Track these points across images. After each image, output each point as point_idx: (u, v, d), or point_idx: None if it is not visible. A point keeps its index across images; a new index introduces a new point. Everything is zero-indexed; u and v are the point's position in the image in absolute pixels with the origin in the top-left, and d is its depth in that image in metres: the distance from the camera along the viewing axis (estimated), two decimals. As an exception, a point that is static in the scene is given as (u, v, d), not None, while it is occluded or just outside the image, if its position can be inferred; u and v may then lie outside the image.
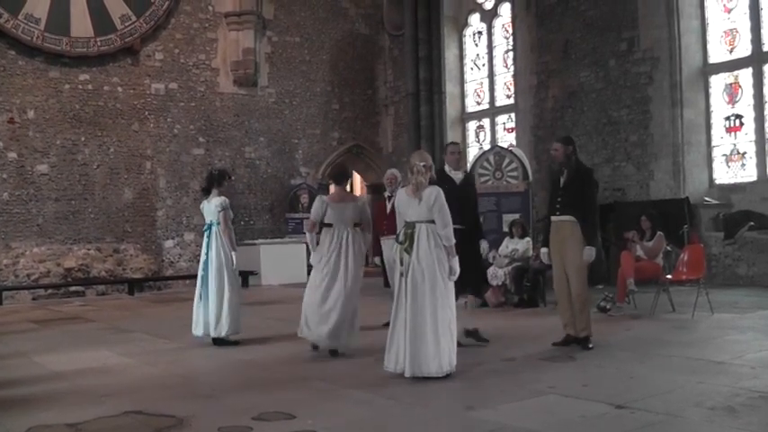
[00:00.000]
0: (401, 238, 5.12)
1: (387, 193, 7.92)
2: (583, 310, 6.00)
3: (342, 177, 6.85)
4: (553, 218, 6.15)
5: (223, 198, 6.95)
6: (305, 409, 4.24)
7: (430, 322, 4.92)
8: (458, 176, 6.30)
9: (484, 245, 6.34)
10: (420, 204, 5.04)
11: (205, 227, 7.04)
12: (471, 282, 6.20)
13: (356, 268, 6.32)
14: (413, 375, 4.88)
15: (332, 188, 6.99)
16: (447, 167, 6.40)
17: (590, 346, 5.89)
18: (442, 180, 6.10)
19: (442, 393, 4.60)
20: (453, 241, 5.05)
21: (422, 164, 5.08)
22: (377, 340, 6.57)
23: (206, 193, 7.12)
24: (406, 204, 5.15)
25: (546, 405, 4.23)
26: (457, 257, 5.10)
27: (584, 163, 6.57)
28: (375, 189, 17.50)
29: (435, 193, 5.02)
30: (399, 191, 5.40)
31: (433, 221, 5.03)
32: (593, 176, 6.35)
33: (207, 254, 6.90)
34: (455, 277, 5.09)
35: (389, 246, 6.82)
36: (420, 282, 4.96)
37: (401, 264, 5.06)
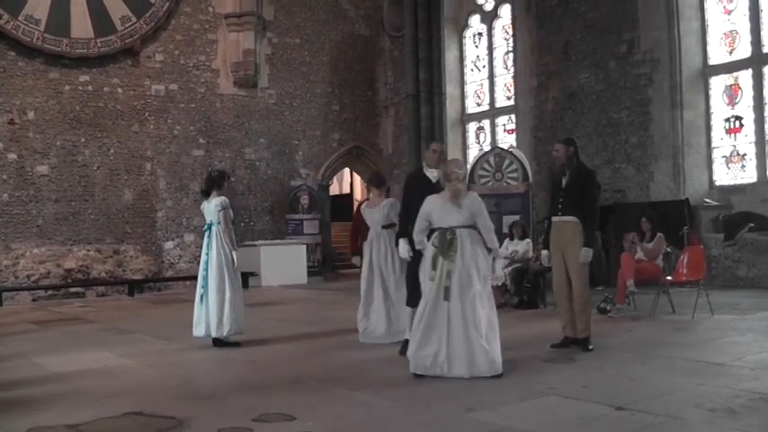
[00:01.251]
0: (437, 242, 5.09)
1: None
2: (583, 311, 5.99)
3: (377, 182, 7.14)
4: (554, 218, 6.13)
5: (223, 198, 6.95)
6: (305, 411, 4.24)
7: (484, 323, 4.99)
8: (433, 174, 5.91)
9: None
10: (460, 211, 5.09)
11: (205, 227, 7.04)
12: None
13: (387, 265, 6.73)
14: (470, 376, 4.91)
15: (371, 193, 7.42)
16: (425, 166, 6.12)
17: (590, 347, 5.89)
18: (416, 180, 6.03)
19: (443, 395, 4.60)
20: (497, 244, 5.32)
21: (461, 171, 5.21)
22: (377, 342, 6.59)
23: (206, 194, 7.12)
24: (441, 210, 5.14)
25: (546, 406, 4.23)
26: (501, 260, 5.40)
27: (586, 165, 6.55)
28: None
29: (478, 202, 5.19)
30: (432, 197, 5.29)
31: (471, 226, 5.11)
32: (595, 178, 6.33)
33: (207, 254, 6.89)
34: (499, 281, 5.34)
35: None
36: (468, 285, 4.99)
37: (434, 268, 5.05)
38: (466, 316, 4.96)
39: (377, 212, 6.85)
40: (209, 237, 6.91)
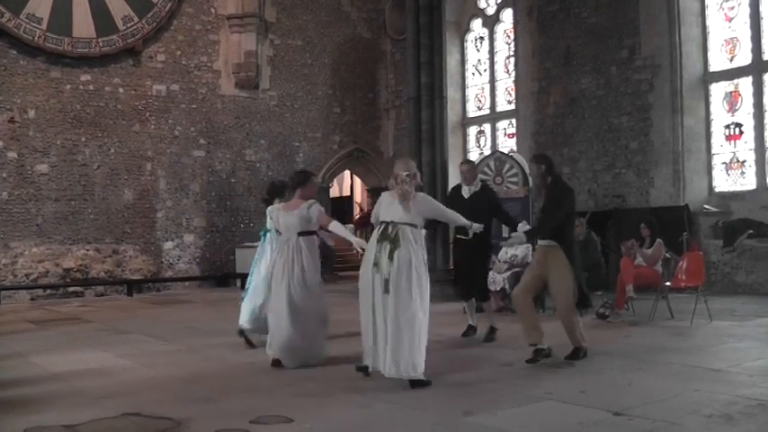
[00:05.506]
0: (380, 236, 5.06)
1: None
2: (571, 332, 5.82)
3: (299, 181, 6.46)
4: (539, 241, 5.95)
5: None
6: (303, 413, 4.24)
7: (411, 322, 4.89)
8: (466, 191, 6.95)
9: (520, 228, 6.00)
10: (408, 210, 5.09)
11: (264, 231, 7.31)
12: (479, 291, 7.15)
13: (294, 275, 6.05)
14: (398, 376, 4.85)
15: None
16: (461, 183, 7.11)
17: (581, 355, 5.75)
18: (452, 197, 7.03)
19: (441, 398, 4.60)
20: (467, 221, 5.71)
21: (405, 173, 5.16)
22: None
23: (266, 202, 7.30)
24: (388, 206, 5.18)
25: (544, 411, 4.23)
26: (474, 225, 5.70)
27: (564, 180, 6.28)
28: (375, 193, 17.49)
29: (427, 200, 5.41)
30: (385, 193, 5.34)
31: (412, 224, 5.08)
32: (569, 197, 5.91)
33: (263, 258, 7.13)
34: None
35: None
36: (405, 281, 4.93)
37: (375, 263, 5.00)
38: (398, 313, 4.87)
39: (293, 216, 5.98)
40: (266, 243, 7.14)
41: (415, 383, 4.85)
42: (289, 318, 5.74)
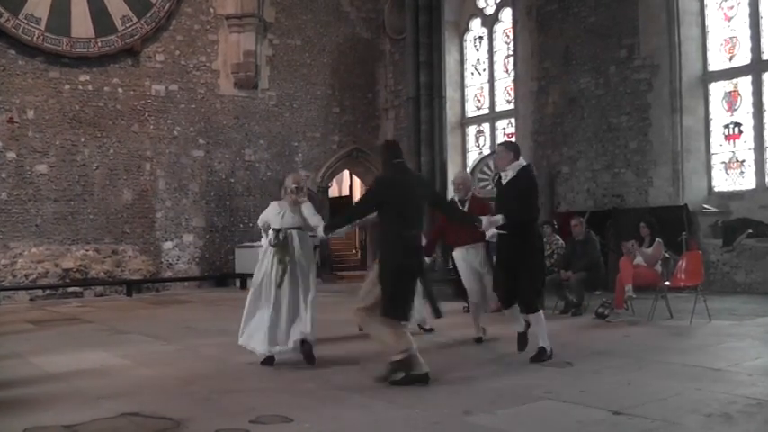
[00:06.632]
0: (274, 241, 5.85)
1: (457, 198, 6.96)
2: (378, 332, 5.06)
3: None
4: None
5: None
6: (302, 413, 4.24)
7: (311, 303, 5.88)
8: (503, 178, 5.84)
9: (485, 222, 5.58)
10: (294, 216, 5.90)
11: None
12: (523, 294, 5.71)
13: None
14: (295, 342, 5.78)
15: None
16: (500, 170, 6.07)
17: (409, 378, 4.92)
18: (497, 186, 6.09)
19: (440, 398, 4.60)
20: (318, 219, 5.97)
21: (294, 186, 6.01)
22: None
23: None
24: (277, 215, 5.96)
25: (543, 410, 4.23)
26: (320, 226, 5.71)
27: (399, 168, 5.30)
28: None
29: (308, 206, 6.00)
30: (272, 203, 6.12)
31: (299, 228, 5.91)
32: (376, 184, 5.36)
33: None
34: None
35: (463, 255, 6.90)
36: (303, 275, 5.87)
37: (279, 262, 5.80)
38: (297, 299, 5.83)
39: None
40: None
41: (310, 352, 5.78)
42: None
